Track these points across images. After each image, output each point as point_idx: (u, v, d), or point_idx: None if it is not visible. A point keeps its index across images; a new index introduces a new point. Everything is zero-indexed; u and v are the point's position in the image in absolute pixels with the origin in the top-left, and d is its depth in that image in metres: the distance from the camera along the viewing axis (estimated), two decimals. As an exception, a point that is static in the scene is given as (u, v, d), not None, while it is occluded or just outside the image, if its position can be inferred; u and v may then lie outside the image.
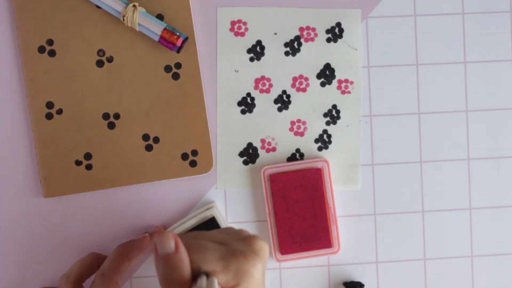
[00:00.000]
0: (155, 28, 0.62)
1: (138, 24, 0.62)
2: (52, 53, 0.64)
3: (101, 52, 0.64)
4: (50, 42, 0.64)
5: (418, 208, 0.67)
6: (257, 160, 0.66)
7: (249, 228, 0.66)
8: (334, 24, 0.65)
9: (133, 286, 0.66)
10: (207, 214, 0.64)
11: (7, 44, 0.64)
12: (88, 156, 0.64)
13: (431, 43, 0.66)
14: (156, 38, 0.62)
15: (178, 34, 0.62)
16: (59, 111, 0.64)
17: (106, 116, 0.64)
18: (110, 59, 0.64)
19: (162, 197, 0.65)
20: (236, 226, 0.66)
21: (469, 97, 0.66)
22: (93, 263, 0.61)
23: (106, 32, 0.63)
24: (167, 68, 0.64)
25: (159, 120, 0.64)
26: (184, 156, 0.64)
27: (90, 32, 0.64)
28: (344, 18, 0.65)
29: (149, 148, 0.64)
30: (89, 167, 0.64)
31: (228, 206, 0.66)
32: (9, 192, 0.65)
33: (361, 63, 0.66)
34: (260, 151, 0.66)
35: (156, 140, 0.64)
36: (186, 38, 0.62)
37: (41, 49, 0.64)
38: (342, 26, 0.65)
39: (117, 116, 0.64)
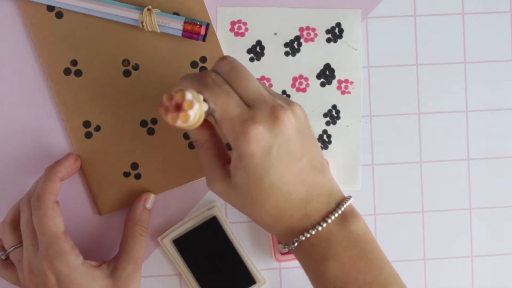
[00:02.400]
0: (176, 24, 0.62)
1: (158, 25, 0.62)
2: (78, 73, 0.63)
3: (125, 62, 0.64)
4: (74, 62, 0.63)
5: (418, 208, 0.67)
6: (257, 160, 0.66)
7: (249, 228, 0.66)
8: (334, 24, 0.65)
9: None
10: (209, 214, 0.64)
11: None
12: (134, 166, 0.64)
13: (431, 43, 0.66)
14: (179, 33, 0.62)
15: (199, 23, 0.62)
16: (97, 128, 0.64)
17: (144, 123, 0.64)
18: (136, 67, 0.64)
19: (162, 197, 0.65)
20: (237, 226, 0.66)
21: (469, 97, 0.66)
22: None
23: (126, 41, 0.63)
24: (193, 64, 0.64)
25: None
26: (229, 146, 0.63)
27: (111, 45, 0.63)
28: (344, 18, 0.65)
29: (192, 145, 0.64)
30: (137, 176, 0.64)
31: (228, 206, 0.65)
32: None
33: (361, 63, 0.66)
34: (260, 151, 0.66)
35: None
36: (208, 25, 0.62)
37: (67, 71, 0.63)
38: (342, 26, 0.65)
39: (154, 121, 0.64)
